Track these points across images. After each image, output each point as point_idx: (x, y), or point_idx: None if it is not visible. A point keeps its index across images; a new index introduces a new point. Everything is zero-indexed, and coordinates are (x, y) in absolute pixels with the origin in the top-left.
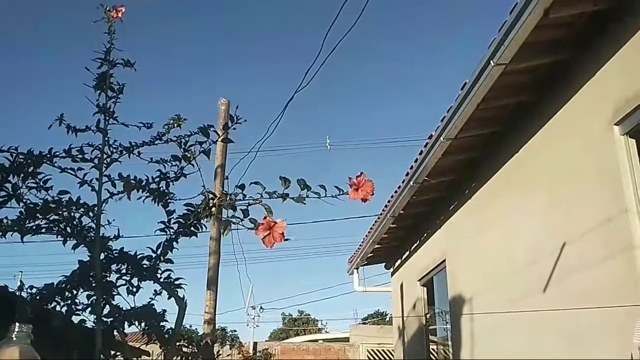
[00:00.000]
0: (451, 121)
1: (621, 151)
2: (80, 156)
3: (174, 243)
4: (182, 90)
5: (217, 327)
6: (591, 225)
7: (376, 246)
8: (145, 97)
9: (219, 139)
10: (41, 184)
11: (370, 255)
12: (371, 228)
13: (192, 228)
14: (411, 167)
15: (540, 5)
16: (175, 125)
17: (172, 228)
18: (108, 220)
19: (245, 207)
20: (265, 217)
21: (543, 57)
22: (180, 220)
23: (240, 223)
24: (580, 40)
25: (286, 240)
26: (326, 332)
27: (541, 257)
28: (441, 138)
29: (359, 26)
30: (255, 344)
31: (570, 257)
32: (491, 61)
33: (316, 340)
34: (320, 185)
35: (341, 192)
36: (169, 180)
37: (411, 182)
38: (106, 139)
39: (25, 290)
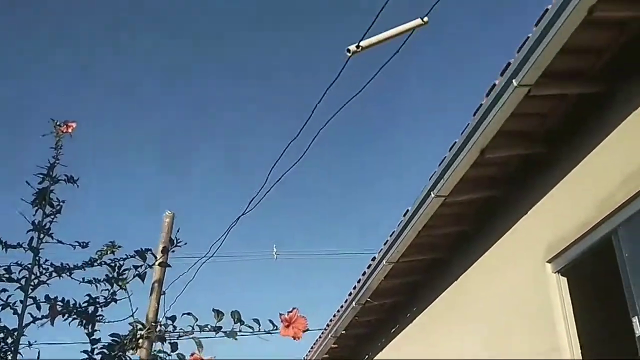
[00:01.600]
0: (393, 246)
1: (553, 289)
2: (7, 276)
3: None
4: (126, 200)
5: None
6: (528, 358)
7: None
8: (89, 210)
9: (156, 262)
10: None
11: None
12: (312, 347)
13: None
14: (354, 288)
15: (477, 146)
16: (109, 252)
17: (95, 359)
18: (29, 342)
19: (175, 340)
20: (192, 354)
21: (480, 192)
22: (105, 350)
23: (168, 358)
24: (515, 179)
25: None
26: None
27: None
28: (384, 261)
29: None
30: None
31: None
32: (431, 192)
33: None
34: (254, 319)
35: (275, 328)
36: (98, 305)
37: (353, 303)
38: (37, 258)
39: None
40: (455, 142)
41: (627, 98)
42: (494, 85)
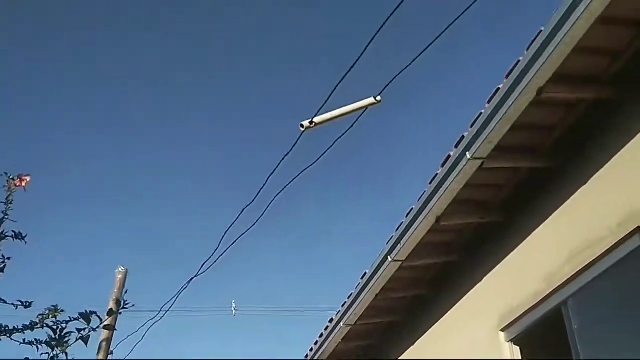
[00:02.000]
0: (351, 308)
1: (507, 357)
2: None
3: None
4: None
5: None
6: None
7: None
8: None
9: (102, 325)
10: None
11: None
12: None
13: None
14: (311, 350)
15: (433, 213)
16: (51, 316)
17: None
18: None
19: None
20: None
21: (436, 257)
22: None
23: None
24: (471, 246)
25: None
26: None
27: None
28: (341, 323)
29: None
30: None
31: None
32: (389, 257)
33: None
34: None
35: None
36: None
37: None
38: None
39: None
40: (412, 208)
41: (574, 175)
42: (449, 156)
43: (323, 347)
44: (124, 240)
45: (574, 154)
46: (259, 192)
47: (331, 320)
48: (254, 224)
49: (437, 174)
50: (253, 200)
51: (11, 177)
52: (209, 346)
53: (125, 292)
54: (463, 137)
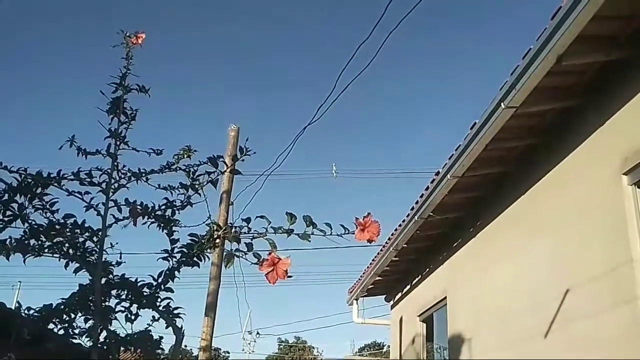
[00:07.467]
0: (459, 160)
1: (629, 201)
2: (89, 180)
3: (176, 272)
4: (191, 115)
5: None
6: (596, 272)
7: (377, 278)
8: (154, 121)
9: (227, 170)
10: (47, 205)
11: (370, 286)
12: (373, 260)
13: (194, 258)
14: (417, 202)
15: (554, 52)
16: (185, 156)
17: (175, 257)
18: (111, 244)
19: (250, 241)
20: (270, 253)
21: (553, 103)
22: (184, 249)
23: (244, 257)
24: (591, 89)
25: (289, 277)
26: None
27: (544, 301)
28: (448, 176)
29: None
30: None
31: (573, 303)
32: (502, 103)
33: None
34: (326, 223)
35: (347, 232)
36: (175, 208)
37: (416, 217)
38: (115, 163)
39: (22, 311)
40: (530, 48)
41: None
42: None
43: (429, 200)
44: (243, 92)
45: None
46: (375, 26)
47: (437, 173)
48: (371, 60)
49: (560, 7)
50: (369, 37)
51: (128, 34)
52: (313, 209)
53: (247, 140)
54: None
